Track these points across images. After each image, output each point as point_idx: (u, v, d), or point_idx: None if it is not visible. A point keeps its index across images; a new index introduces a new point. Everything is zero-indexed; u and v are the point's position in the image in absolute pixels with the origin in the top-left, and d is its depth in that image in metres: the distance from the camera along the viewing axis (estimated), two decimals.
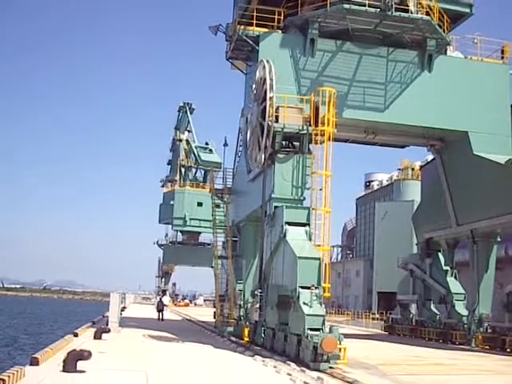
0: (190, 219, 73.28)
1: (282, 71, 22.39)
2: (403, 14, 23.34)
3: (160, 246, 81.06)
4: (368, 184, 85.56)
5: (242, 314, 24.54)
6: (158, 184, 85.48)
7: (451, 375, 16.04)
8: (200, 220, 71.73)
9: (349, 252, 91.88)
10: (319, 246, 18.93)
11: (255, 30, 23.90)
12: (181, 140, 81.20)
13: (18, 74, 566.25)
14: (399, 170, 71.28)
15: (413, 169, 66.94)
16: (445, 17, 24.42)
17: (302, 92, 22.82)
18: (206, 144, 77.87)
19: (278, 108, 20.85)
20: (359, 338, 28.27)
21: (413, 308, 32.60)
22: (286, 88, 21.98)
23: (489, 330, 25.05)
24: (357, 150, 63.40)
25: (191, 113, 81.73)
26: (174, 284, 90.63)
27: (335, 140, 21.04)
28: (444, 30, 24.42)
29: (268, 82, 21.16)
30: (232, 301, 25.99)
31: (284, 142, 21.11)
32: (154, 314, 38.42)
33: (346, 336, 17.83)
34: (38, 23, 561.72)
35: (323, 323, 16.17)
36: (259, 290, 20.29)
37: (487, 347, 24.15)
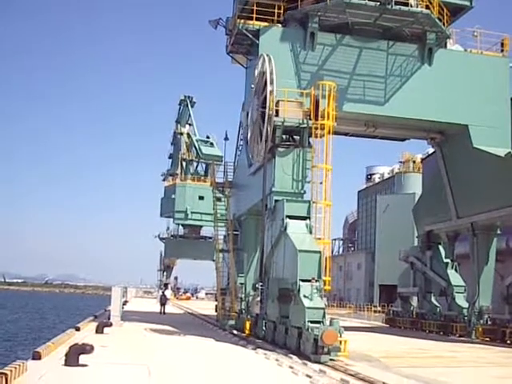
0: (192, 213, 73.36)
1: (282, 65, 22.38)
2: (403, 8, 23.32)
3: (161, 239, 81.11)
4: (369, 177, 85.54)
5: (243, 307, 24.64)
6: (159, 178, 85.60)
7: (452, 367, 16.14)
8: (201, 213, 71.70)
9: (350, 245, 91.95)
10: (320, 239, 19.01)
11: (255, 24, 23.90)
12: (182, 133, 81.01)
13: (17, 73, 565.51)
14: (400, 162, 71.17)
15: (414, 161, 66.85)
16: (444, 10, 24.39)
17: (302, 86, 22.83)
18: (207, 137, 78.01)
19: (278, 102, 20.87)
20: (361, 331, 28.40)
21: (413, 300, 32.65)
22: (286, 82, 21.97)
23: (489, 322, 25.18)
24: (358, 143, 63.27)
25: (192, 106, 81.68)
26: (176, 278, 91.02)
27: (335, 133, 21.11)
28: (444, 24, 24.40)
29: (268, 75, 21.18)
30: (233, 294, 26.06)
31: (284, 136, 21.17)
32: (156, 308, 38.60)
33: (348, 329, 17.95)
34: (36, 22, 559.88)
35: (323, 316, 16.26)
36: (260, 284, 20.38)
37: (487, 339, 24.26)
